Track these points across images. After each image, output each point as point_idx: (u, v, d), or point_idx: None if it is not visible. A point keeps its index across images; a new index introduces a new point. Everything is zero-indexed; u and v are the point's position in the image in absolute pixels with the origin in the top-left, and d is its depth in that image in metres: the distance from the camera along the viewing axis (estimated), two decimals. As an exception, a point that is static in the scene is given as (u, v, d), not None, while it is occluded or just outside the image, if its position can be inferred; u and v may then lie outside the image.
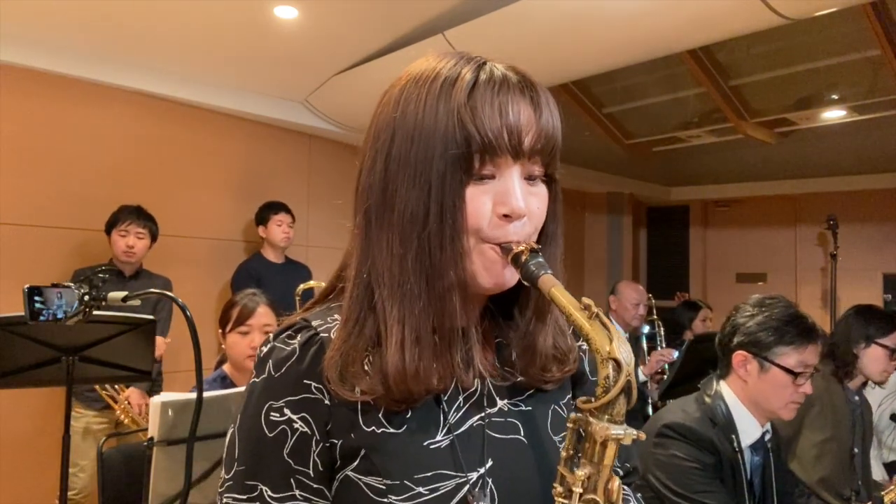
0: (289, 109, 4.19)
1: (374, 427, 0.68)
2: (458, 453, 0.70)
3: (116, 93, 3.58)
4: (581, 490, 0.62)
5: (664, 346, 4.54)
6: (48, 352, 2.04)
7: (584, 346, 0.84)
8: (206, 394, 1.47)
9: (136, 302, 1.45)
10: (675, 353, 3.58)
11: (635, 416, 3.51)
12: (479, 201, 0.68)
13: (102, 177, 3.53)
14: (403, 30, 3.29)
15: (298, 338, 0.71)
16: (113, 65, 3.48)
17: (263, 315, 2.16)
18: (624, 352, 0.60)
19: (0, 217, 3.20)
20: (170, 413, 1.56)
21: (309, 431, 0.69)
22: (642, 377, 3.54)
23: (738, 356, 1.66)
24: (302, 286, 3.18)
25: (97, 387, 3.08)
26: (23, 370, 2.07)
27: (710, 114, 4.88)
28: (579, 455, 0.63)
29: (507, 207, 0.68)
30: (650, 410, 3.60)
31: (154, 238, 3.34)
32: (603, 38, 2.90)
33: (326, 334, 0.71)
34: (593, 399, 0.62)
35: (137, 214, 3.25)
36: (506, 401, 0.75)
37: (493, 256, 0.69)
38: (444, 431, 0.70)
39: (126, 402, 3.08)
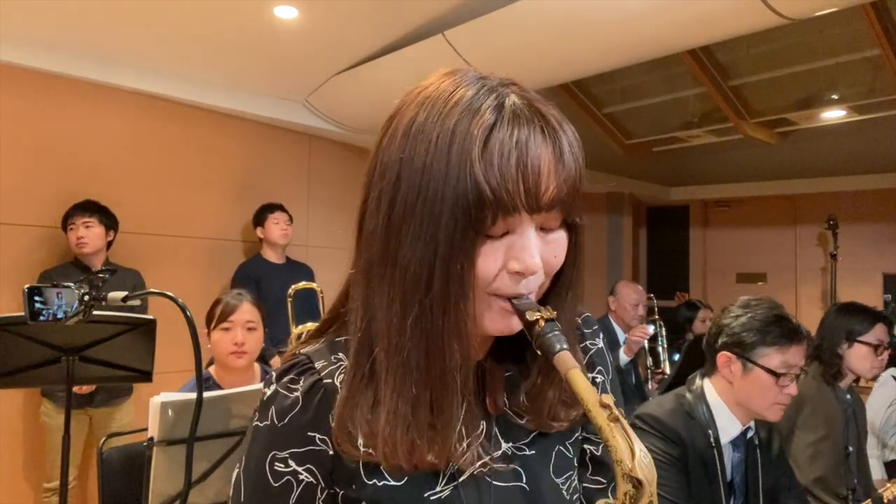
0: (289, 109, 4.19)
1: (375, 480, 0.68)
2: (459, 503, 0.69)
3: (116, 93, 3.58)
4: None
5: (666, 345, 4.56)
6: (48, 352, 2.04)
7: (592, 350, 0.82)
8: (206, 394, 1.48)
9: (137, 302, 1.45)
10: (651, 328, 3.68)
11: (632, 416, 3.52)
12: (490, 259, 0.63)
13: (102, 177, 3.53)
14: (403, 30, 3.29)
15: (301, 383, 0.69)
16: (113, 65, 3.48)
17: (246, 312, 2.19)
18: (646, 467, 0.56)
19: (0, 217, 3.20)
20: (170, 413, 1.56)
21: (314, 481, 0.68)
22: (625, 359, 3.57)
23: (723, 356, 1.68)
24: (294, 287, 3.09)
25: None
26: (23, 370, 2.07)
27: (710, 114, 4.89)
28: None
29: (521, 265, 0.63)
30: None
31: (110, 227, 3.29)
32: (603, 38, 2.90)
33: (330, 380, 0.69)
34: None
35: (83, 207, 3.24)
36: (510, 444, 0.74)
37: (500, 309, 0.66)
38: (445, 482, 0.69)
39: None
